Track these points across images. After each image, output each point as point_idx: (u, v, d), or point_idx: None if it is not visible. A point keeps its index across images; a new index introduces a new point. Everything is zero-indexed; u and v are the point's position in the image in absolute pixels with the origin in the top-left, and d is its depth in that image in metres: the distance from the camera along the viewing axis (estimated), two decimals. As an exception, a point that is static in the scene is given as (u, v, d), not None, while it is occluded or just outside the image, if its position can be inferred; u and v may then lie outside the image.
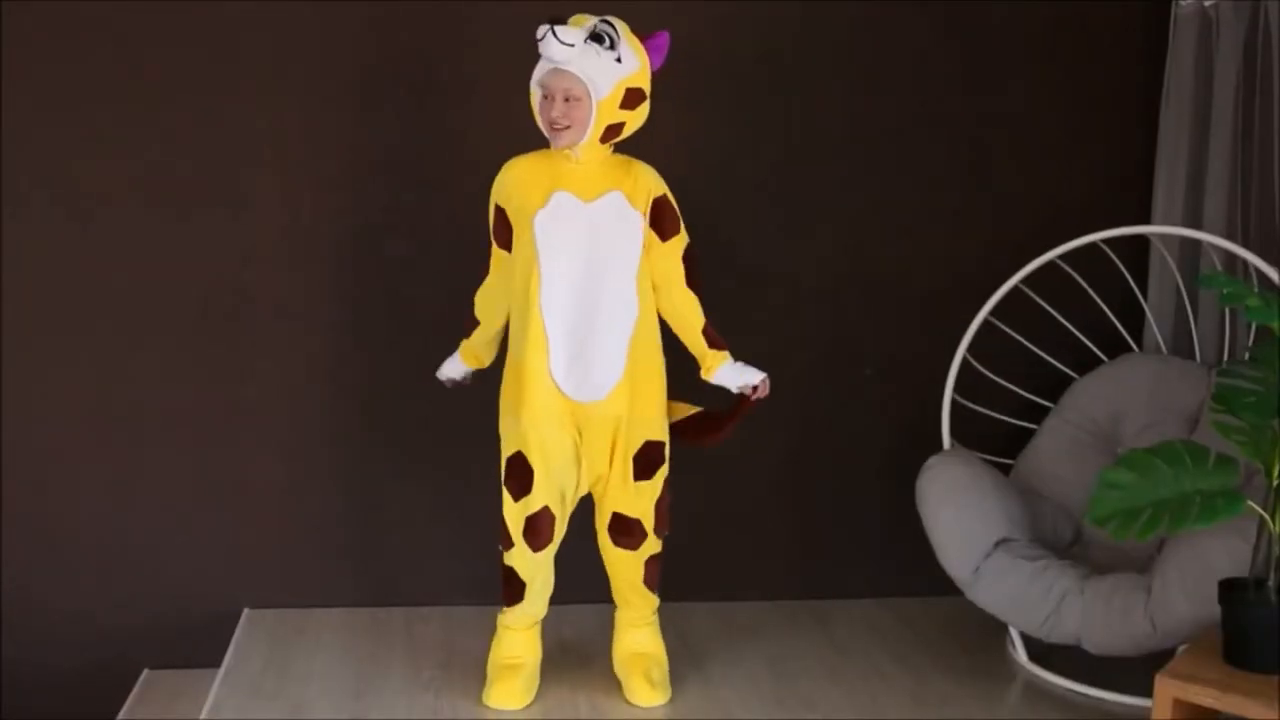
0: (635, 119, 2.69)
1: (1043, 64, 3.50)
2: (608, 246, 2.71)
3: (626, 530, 2.82)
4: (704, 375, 2.81)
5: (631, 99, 2.64)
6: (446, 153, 3.30)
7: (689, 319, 2.79)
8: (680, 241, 2.77)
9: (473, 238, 3.32)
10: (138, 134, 3.18)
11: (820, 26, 3.39)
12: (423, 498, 3.41)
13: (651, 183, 2.75)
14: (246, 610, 3.35)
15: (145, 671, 3.31)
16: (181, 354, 3.26)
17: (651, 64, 2.66)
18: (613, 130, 2.67)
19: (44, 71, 3.13)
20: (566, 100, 2.62)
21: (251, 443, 3.32)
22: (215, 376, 3.28)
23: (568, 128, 2.64)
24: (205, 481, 3.31)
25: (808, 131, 3.43)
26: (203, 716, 2.82)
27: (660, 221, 2.74)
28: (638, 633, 2.93)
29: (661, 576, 2.91)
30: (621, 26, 2.63)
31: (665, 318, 2.81)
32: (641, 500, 2.80)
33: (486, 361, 2.94)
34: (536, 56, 2.63)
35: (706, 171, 3.36)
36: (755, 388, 2.78)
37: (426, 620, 3.34)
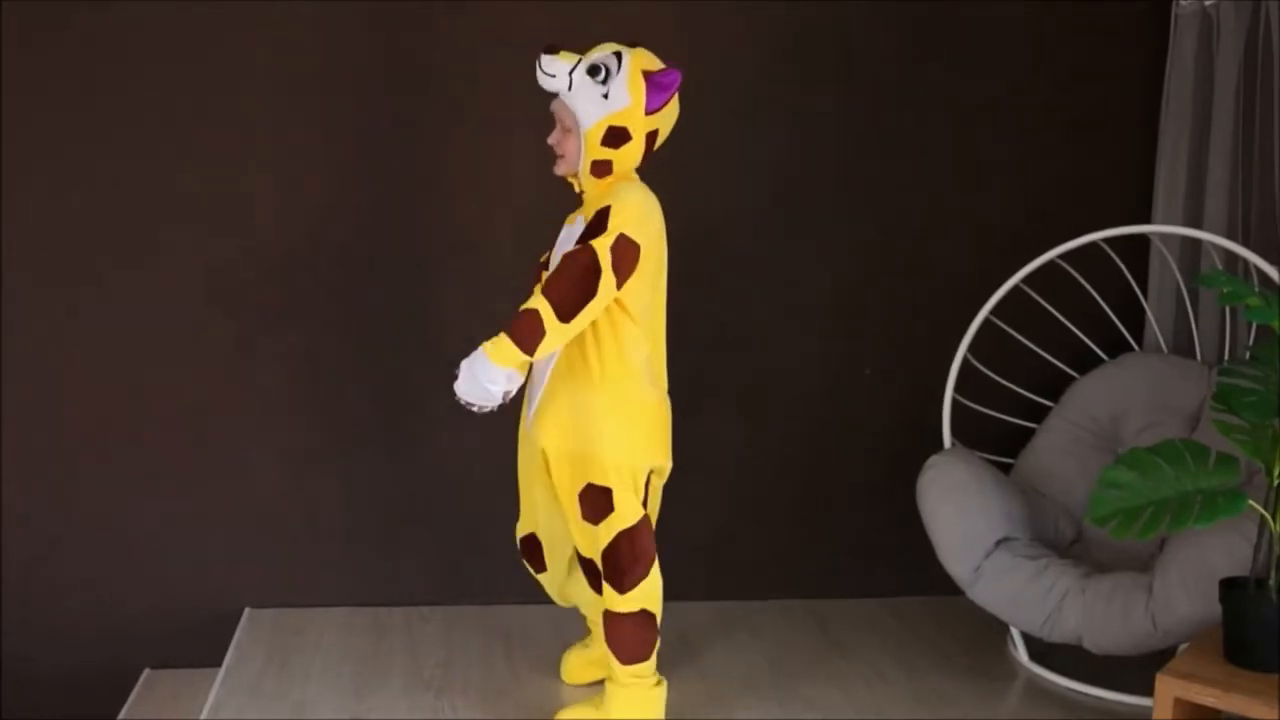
0: (622, 158, 2.59)
1: (1043, 63, 3.50)
2: None
3: (588, 568, 2.74)
4: None
5: (613, 137, 2.56)
6: (450, 155, 3.30)
7: None
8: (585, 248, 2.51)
9: (474, 239, 3.33)
10: (139, 134, 3.18)
11: (820, 28, 3.39)
12: (424, 498, 3.40)
13: (603, 203, 2.56)
14: (247, 610, 3.35)
15: (146, 671, 3.31)
16: (182, 354, 3.26)
17: (649, 102, 2.55)
18: (600, 166, 2.60)
19: (43, 69, 3.13)
20: (564, 130, 2.60)
21: (252, 442, 3.32)
22: (216, 376, 3.28)
23: (561, 156, 2.62)
24: (206, 481, 3.31)
25: (808, 132, 3.43)
26: (203, 716, 2.82)
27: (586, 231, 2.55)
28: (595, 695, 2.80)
29: (644, 649, 2.67)
30: (631, 62, 2.55)
31: None
32: (587, 542, 2.68)
33: None
34: (534, 65, 2.62)
35: (709, 170, 3.37)
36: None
37: (427, 620, 3.34)
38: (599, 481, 2.61)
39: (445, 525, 3.41)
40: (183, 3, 3.14)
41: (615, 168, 2.61)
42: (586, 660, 2.95)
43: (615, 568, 2.63)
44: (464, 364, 2.51)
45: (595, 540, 2.64)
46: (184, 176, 3.21)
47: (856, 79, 3.44)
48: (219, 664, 3.09)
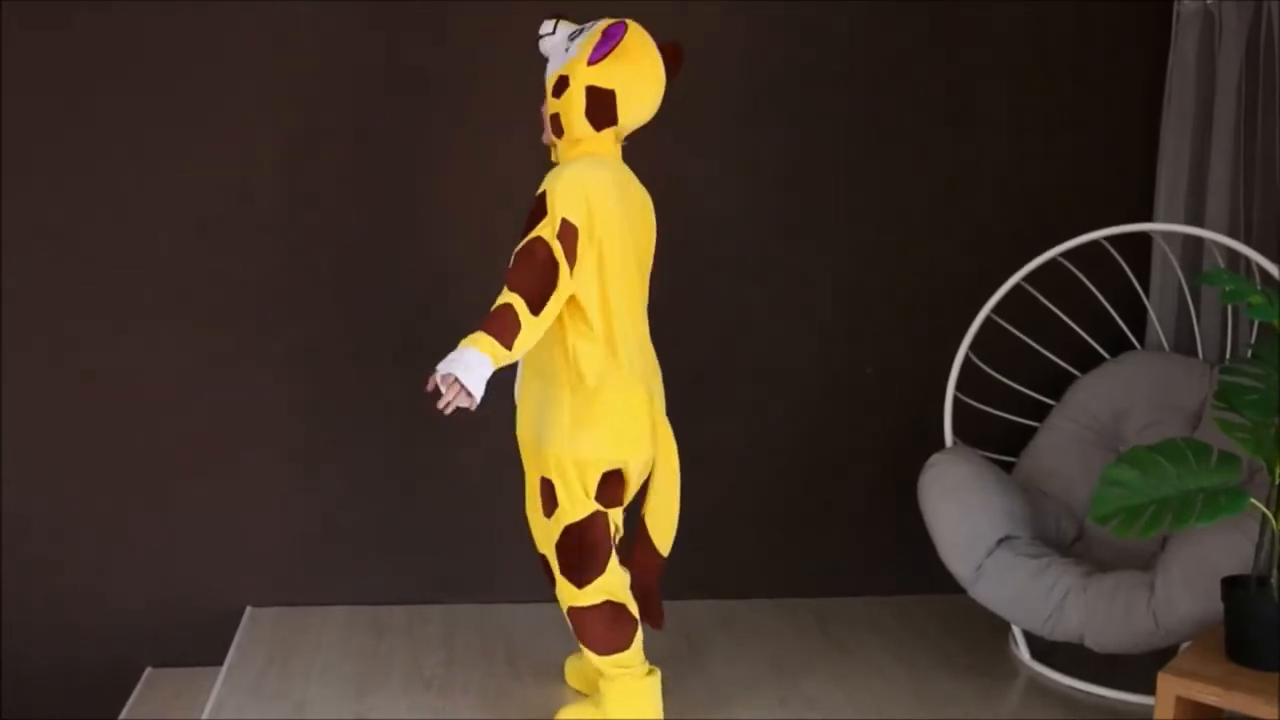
0: (567, 110, 2.56)
1: (1043, 63, 3.50)
2: None
3: (544, 563, 2.75)
4: None
5: (559, 87, 2.57)
6: (450, 155, 3.30)
7: None
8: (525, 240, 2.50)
9: (474, 238, 3.33)
10: (139, 133, 3.18)
11: (821, 28, 3.39)
12: (425, 496, 3.40)
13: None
14: (249, 608, 3.35)
15: (148, 670, 3.31)
16: (182, 353, 3.26)
17: (593, 53, 2.53)
18: (554, 121, 2.61)
19: (43, 69, 3.13)
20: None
21: (253, 442, 3.32)
22: (216, 376, 3.28)
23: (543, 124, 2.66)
24: (206, 481, 3.31)
25: (808, 132, 3.43)
26: (205, 715, 2.82)
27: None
28: (589, 692, 2.85)
29: (618, 639, 2.66)
30: (600, 25, 2.58)
31: None
32: (541, 534, 2.72)
33: None
34: (535, 59, 2.63)
35: (710, 170, 3.37)
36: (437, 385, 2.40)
37: (428, 619, 3.33)
38: (545, 474, 2.64)
39: (445, 525, 3.41)
40: (183, 3, 3.14)
41: (565, 124, 2.58)
42: (581, 670, 2.93)
43: (568, 563, 2.64)
44: (441, 364, 2.40)
45: (548, 534, 2.66)
46: (184, 176, 3.21)
47: (856, 79, 3.43)
48: (220, 663, 3.09)
